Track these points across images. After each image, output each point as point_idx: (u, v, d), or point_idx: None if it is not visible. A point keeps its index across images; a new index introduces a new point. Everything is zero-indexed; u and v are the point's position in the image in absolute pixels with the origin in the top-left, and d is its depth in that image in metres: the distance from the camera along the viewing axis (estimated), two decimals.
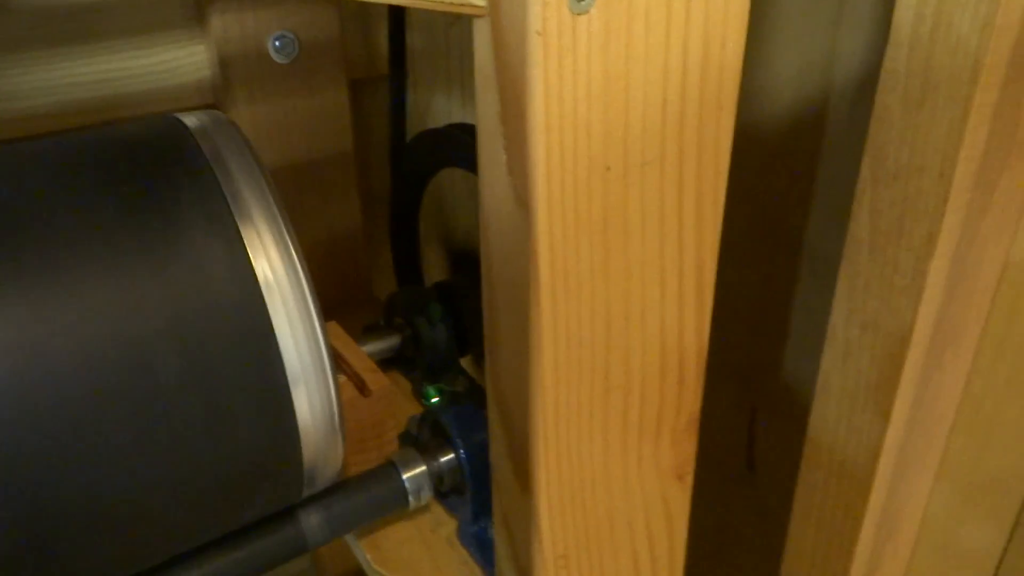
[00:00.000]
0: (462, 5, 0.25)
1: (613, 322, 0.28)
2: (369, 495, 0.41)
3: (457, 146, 0.56)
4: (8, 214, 0.32)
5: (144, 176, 0.35)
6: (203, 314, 0.31)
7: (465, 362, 0.57)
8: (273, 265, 0.32)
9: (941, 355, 0.35)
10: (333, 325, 0.51)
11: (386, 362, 0.56)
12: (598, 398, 0.29)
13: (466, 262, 0.64)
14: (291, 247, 0.33)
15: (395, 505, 0.42)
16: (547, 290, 0.26)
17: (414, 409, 0.54)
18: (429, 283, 0.65)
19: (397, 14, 0.62)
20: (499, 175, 0.26)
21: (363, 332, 0.59)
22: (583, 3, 0.23)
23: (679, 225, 0.28)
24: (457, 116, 0.69)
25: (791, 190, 0.44)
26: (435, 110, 0.71)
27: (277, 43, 0.57)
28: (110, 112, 0.56)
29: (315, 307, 0.33)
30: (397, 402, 0.49)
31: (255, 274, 0.31)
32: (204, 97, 0.59)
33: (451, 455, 0.42)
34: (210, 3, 0.55)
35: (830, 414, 0.37)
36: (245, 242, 0.32)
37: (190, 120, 0.40)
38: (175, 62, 0.57)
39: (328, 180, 0.63)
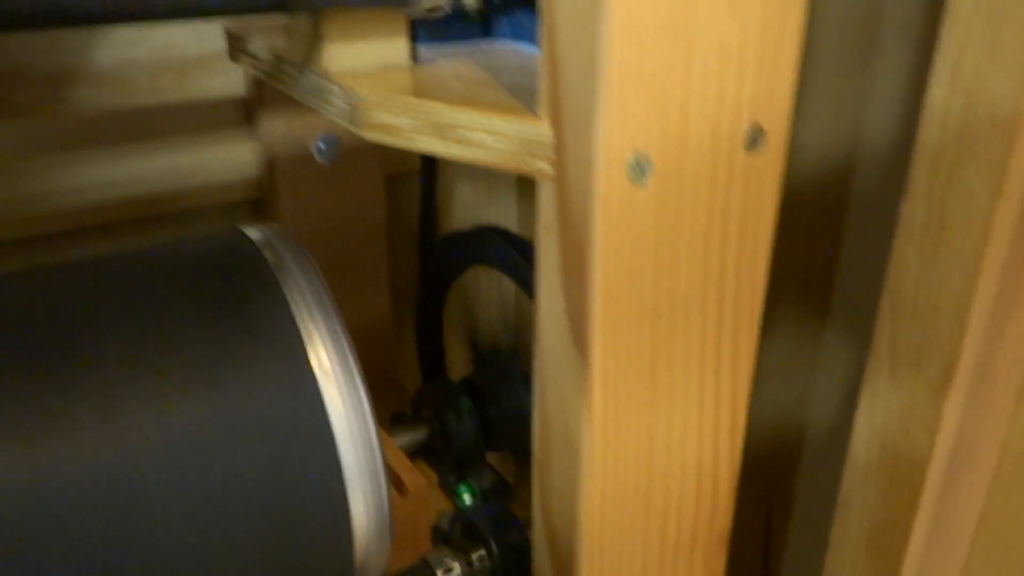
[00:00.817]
0: (530, 168, 0.28)
1: (656, 449, 0.30)
2: None
3: (486, 247, 0.59)
4: (87, 334, 0.35)
5: (219, 296, 0.37)
6: (271, 429, 0.33)
7: (491, 456, 0.59)
8: (337, 380, 0.34)
9: (958, 478, 0.37)
10: None
11: (413, 453, 0.58)
12: (640, 520, 0.31)
13: (491, 358, 0.66)
14: (351, 362, 0.35)
15: None
16: (599, 421, 0.29)
17: (442, 501, 0.56)
18: (451, 376, 0.67)
19: None
20: (557, 317, 0.29)
21: (391, 422, 0.61)
22: (642, 177, 0.26)
23: (717, 358, 0.31)
24: (484, 210, 0.73)
25: (807, 303, 0.47)
26: (462, 204, 0.74)
27: (322, 145, 0.60)
28: (163, 205, 0.59)
29: (372, 417, 0.35)
30: (431, 499, 0.51)
31: (320, 390, 0.34)
32: (249, 192, 0.62)
33: (483, 554, 0.44)
34: (260, 107, 0.59)
35: (851, 533, 0.38)
36: (310, 359, 0.34)
37: (254, 234, 0.43)
38: (225, 160, 0.61)
39: (361, 271, 0.66)
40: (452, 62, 0.36)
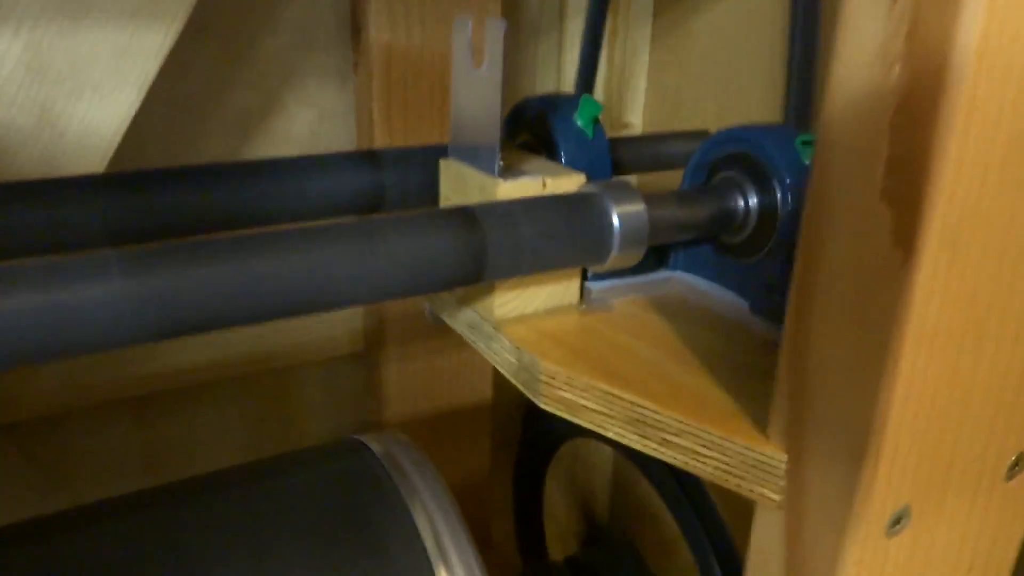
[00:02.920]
0: (751, 491, 0.24)
1: None
2: None
3: None
4: (208, 565, 0.33)
5: (346, 526, 0.35)
6: None
7: None
8: None
9: None
10: None
11: None
12: None
13: (598, 536, 0.62)
14: None
15: None
16: None
17: None
18: (551, 551, 0.62)
19: None
20: None
21: None
22: (899, 529, 0.22)
23: None
24: None
25: None
26: None
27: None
28: (264, 363, 0.57)
29: None
30: None
31: None
32: (355, 345, 0.60)
33: None
34: None
35: None
36: None
37: (376, 446, 0.40)
38: (332, 314, 0.59)
39: (464, 428, 0.63)
40: (626, 304, 0.33)
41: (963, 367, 0.21)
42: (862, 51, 0.19)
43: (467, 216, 0.26)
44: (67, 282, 0.20)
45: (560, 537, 0.68)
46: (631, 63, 0.63)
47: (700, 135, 0.41)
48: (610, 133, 0.65)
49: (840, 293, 0.21)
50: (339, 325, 0.59)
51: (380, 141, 0.52)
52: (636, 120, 0.64)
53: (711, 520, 0.45)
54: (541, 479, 0.61)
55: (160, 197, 0.31)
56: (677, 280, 0.34)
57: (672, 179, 0.39)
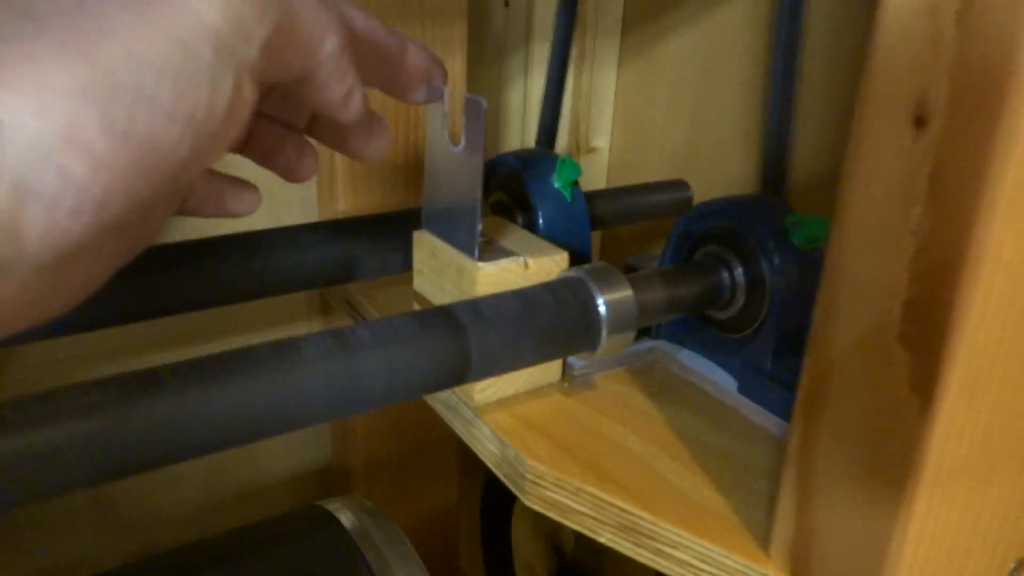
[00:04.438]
0: None
1: None
2: None
3: None
4: None
5: None
6: None
7: None
8: None
9: None
10: None
11: None
12: None
13: (565, 568, 0.61)
14: None
15: None
16: None
17: None
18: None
19: None
20: None
21: None
22: None
23: None
24: None
25: None
26: None
27: None
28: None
29: None
30: None
31: None
32: None
33: None
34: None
35: None
36: None
37: (345, 517, 0.39)
38: None
39: (432, 462, 0.62)
40: (610, 380, 0.32)
41: (974, 499, 0.20)
42: (878, 184, 0.18)
43: (450, 320, 0.24)
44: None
45: (528, 570, 0.67)
46: (598, 86, 0.61)
47: (676, 185, 0.40)
48: (576, 157, 0.64)
49: (851, 427, 0.20)
50: None
51: (343, 195, 0.50)
52: (603, 144, 0.63)
53: None
54: (508, 510, 0.60)
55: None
56: (660, 350, 0.33)
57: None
